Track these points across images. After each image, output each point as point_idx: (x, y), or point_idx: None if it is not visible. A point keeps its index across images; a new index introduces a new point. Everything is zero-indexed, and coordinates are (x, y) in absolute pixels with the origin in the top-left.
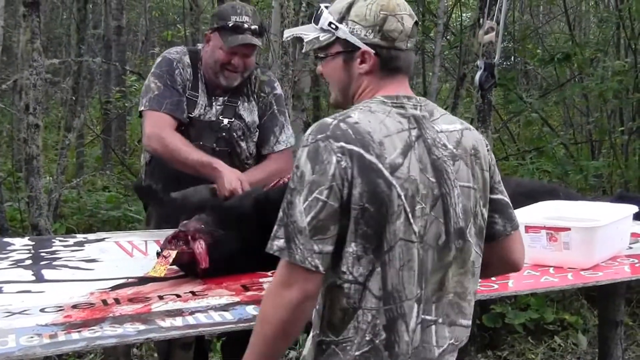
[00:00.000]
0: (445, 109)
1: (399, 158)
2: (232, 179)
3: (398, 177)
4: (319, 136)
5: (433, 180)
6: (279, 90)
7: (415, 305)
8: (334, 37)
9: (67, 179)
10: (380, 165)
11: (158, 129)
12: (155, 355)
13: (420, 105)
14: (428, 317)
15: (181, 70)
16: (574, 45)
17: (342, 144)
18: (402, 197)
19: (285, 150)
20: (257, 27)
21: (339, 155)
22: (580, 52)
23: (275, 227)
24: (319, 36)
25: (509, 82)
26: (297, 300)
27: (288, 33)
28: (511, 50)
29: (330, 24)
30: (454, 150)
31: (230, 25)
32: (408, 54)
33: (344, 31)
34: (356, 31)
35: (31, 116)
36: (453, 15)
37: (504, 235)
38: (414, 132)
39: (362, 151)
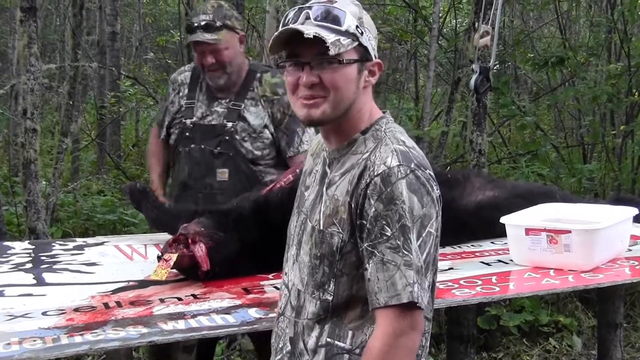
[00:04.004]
0: (440, 112)
1: None
2: None
3: None
4: (412, 165)
5: None
6: None
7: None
8: (356, 43)
9: (62, 183)
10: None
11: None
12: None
13: None
14: None
15: (172, 89)
16: (568, 49)
17: (429, 171)
18: None
19: None
20: (208, 22)
21: (434, 183)
22: (573, 55)
23: (409, 271)
24: (339, 39)
25: (502, 87)
26: (418, 344)
27: (311, 30)
28: (504, 54)
29: (357, 27)
30: None
31: (186, 26)
32: None
33: (366, 37)
34: (370, 40)
35: (29, 121)
36: (446, 20)
37: None
38: None
39: (434, 175)
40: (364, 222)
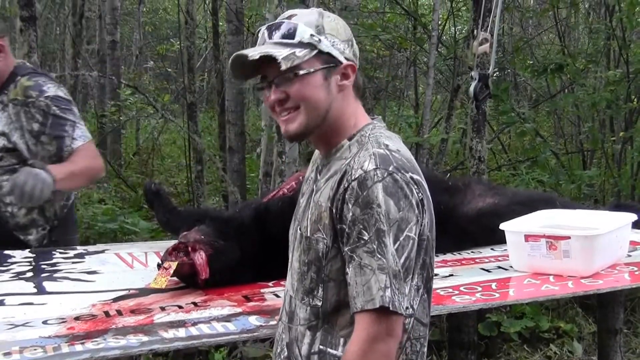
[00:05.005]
0: (439, 120)
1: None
2: None
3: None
4: (390, 168)
5: None
6: (51, 92)
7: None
8: (315, 51)
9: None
10: (429, 192)
11: None
12: None
13: None
14: None
15: None
16: (567, 56)
17: (411, 174)
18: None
19: (86, 145)
20: None
21: (415, 186)
22: (572, 62)
23: (381, 275)
24: (294, 52)
25: (502, 94)
26: (395, 350)
27: (256, 52)
28: (503, 61)
29: (312, 35)
30: None
31: None
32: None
33: (326, 44)
34: (336, 44)
35: None
36: (445, 28)
37: None
38: None
39: (421, 179)
40: (344, 226)
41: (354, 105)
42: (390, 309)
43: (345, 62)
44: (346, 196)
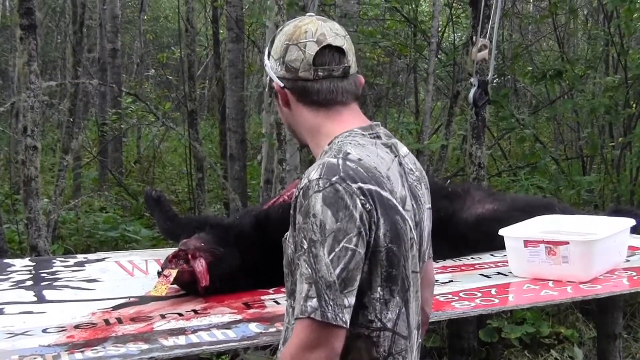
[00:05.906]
0: (439, 126)
1: (402, 190)
2: None
3: (407, 210)
4: (333, 178)
5: (415, 206)
6: None
7: (415, 332)
8: (268, 75)
9: (64, 200)
10: (394, 202)
11: None
12: None
13: (387, 133)
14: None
15: None
16: (565, 62)
17: (360, 184)
18: (412, 230)
19: None
20: None
21: (362, 197)
22: (571, 68)
23: (305, 285)
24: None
25: (501, 100)
26: None
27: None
28: (502, 68)
29: (263, 63)
30: (418, 173)
31: None
32: (325, 83)
33: (268, 67)
34: (272, 66)
35: (29, 138)
36: (444, 34)
37: (429, 257)
38: (396, 160)
39: (378, 189)
40: (295, 233)
41: (314, 116)
42: (319, 319)
43: (275, 81)
44: (296, 204)
